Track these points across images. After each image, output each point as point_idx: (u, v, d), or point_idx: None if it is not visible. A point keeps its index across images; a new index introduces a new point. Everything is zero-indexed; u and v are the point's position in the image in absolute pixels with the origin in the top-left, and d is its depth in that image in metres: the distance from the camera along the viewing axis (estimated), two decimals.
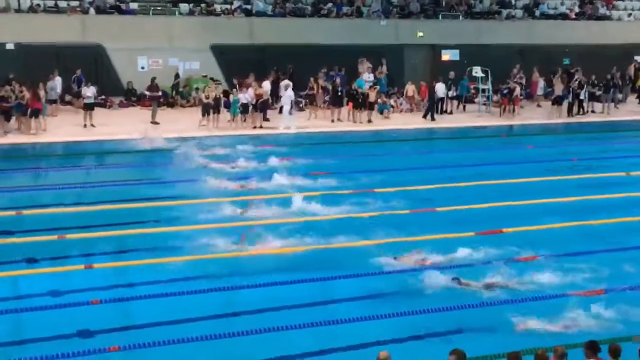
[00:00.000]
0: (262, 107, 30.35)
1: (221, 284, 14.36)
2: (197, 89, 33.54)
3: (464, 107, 35.49)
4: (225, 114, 30.00)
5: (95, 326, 12.51)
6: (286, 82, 31.84)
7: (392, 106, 34.23)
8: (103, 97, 32.20)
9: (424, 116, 33.00)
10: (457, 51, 38.90)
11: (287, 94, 30.26)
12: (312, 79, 33.22)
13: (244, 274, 14.89)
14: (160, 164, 23.73)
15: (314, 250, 16.20)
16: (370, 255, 15.76)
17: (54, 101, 30.70)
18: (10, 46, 32.37)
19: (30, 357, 11.29)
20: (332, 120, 31.54)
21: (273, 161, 24.09)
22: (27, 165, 24.09)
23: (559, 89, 34.87)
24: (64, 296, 13.72)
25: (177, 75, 34.20)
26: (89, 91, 29.27)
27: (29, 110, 27.26)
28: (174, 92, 34.03)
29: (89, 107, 29.10)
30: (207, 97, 29.72)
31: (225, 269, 15.20)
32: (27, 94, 27.23)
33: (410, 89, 34.87)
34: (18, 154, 25.34)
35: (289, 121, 29.79)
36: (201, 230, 17.09)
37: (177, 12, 36.12)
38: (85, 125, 28.74)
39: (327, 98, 32.54)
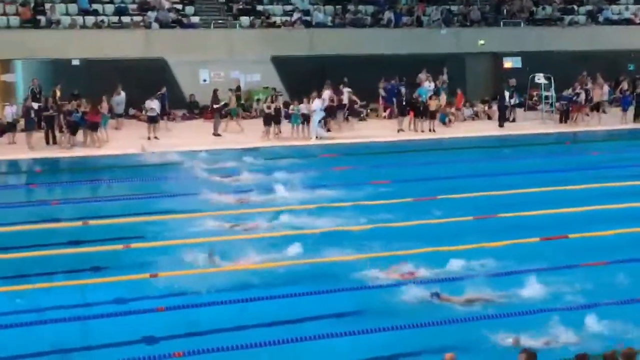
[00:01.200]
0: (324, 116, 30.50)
1: (282, 291, 14.42)
2: (258, 100, 33.83)
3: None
4: (285, 125, 30.19)
5: (160, 332, 12.66)
6: (347, 89, 31.82)
7: (453, 114, 34.04)
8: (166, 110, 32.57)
9: (500, 125, 32.82)
10: (519, 58, 38.52)
11: (316, 105, 29.69)
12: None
13: (309, 281, 14.93)
14: (223, 175, 23.85)
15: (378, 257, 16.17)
16: (438, 262, 15.68)
17: (119, 115, 31.27)
18: (76, 62, 33.04)
19: None
20: (398, 130, 31.42)
21: (334, 170, 24.28)
22: (92, 176, 24.29)
23: (597, 95, 34.29)
24: (130, 304, 13.92)
25: (238, 88, 34.48)
26: (153, 104, 29.74)
27: (88, 124, 27.91)
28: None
29: (152, 120, 29.59)
30: (268, 108, 29.96)
31: (287, 276, 15.22)
32: (87, 108, 27.85)
33: (443, 98, 34.45)
34: (84, 166, 25.67)
35: (313, 132, 29.54)
36: (267, 238, 17.30)
37: (237, 25, 36.47)
38: (149, 138, 29.15)
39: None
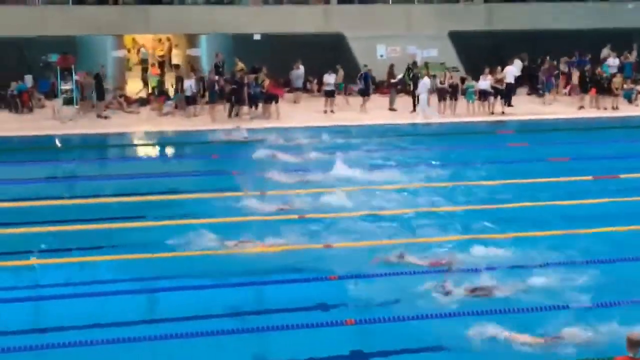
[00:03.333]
0: (504, 92, 29.95)
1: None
2: (434, 76, 33.57)
3: None
4: (463, 101, 29.92)
5: (332, 300, 12.96)
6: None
7: (638, 92, 32.68)
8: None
9: None
10: None
11: (424, 82, 28.95)
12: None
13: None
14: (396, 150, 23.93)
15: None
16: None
17: (297, 89, 31.97)
18: (257, 37, 33.90)
19: (274, 326, 12.03)
20: (579, 107, 30.50)
21: (510, 145, 24.31)
22: (270, 149, 24.59)
23: None
24: (304, 272, 14.28)
25: (414, 63, 34.38)
26: (330, 79, 30.21)
27: (268, 96, 28.69)
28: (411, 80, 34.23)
29: (329, 94, 30.06)
30: (441, 83, 29.78)
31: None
32: (267, 81, 28.59)
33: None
34: (257, 138, 25.66)
35: (427, 111, 28.79)
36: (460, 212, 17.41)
37: (415, 0, 36.34)
38: (325, 112, 29.68)
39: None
